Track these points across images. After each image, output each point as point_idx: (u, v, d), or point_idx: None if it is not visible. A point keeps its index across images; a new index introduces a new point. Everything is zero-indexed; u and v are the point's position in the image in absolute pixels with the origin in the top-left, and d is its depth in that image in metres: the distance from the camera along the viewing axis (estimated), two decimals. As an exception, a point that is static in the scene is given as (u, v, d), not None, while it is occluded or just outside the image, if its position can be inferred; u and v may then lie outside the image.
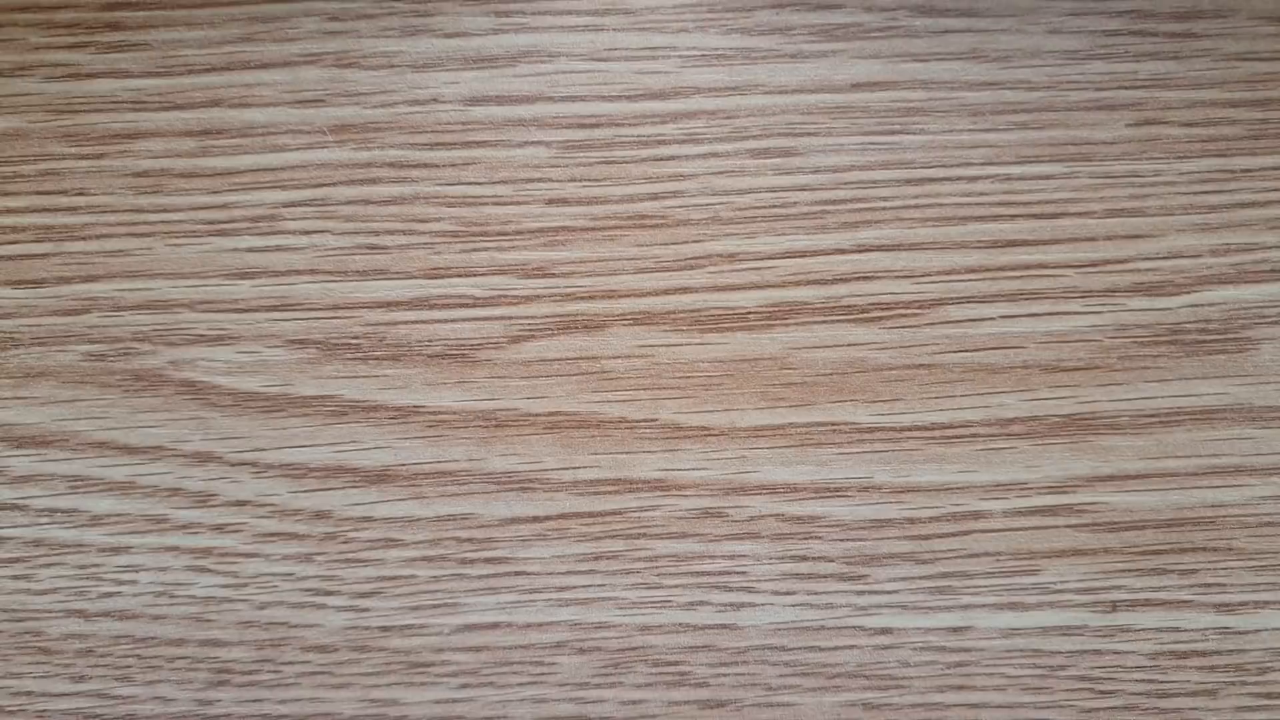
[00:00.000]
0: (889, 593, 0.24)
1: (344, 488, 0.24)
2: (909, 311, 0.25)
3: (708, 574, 0.24)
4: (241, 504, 0.24)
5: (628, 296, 0.25)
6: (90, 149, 0.25)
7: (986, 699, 0.23)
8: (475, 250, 0.25)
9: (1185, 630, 0.24)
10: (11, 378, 0.25)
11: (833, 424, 0.25)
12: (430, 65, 0.24)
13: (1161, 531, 0.24)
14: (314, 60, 0.25)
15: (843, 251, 0.25)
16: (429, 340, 0.25)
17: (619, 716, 0.23)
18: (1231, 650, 0.23)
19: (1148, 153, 0.25)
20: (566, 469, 0.25)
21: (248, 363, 0.24)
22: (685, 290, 0.25)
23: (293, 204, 0.25)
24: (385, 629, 0.24)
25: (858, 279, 0.25)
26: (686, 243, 0.25)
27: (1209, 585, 0.24)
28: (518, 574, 0.24)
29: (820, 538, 0.24)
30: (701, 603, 0.24)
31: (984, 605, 0.24)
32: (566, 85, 0.25)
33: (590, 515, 0.24)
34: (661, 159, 0.25)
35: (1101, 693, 0.23)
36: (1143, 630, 0.24)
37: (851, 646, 0.24)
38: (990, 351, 0.25)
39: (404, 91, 0.25)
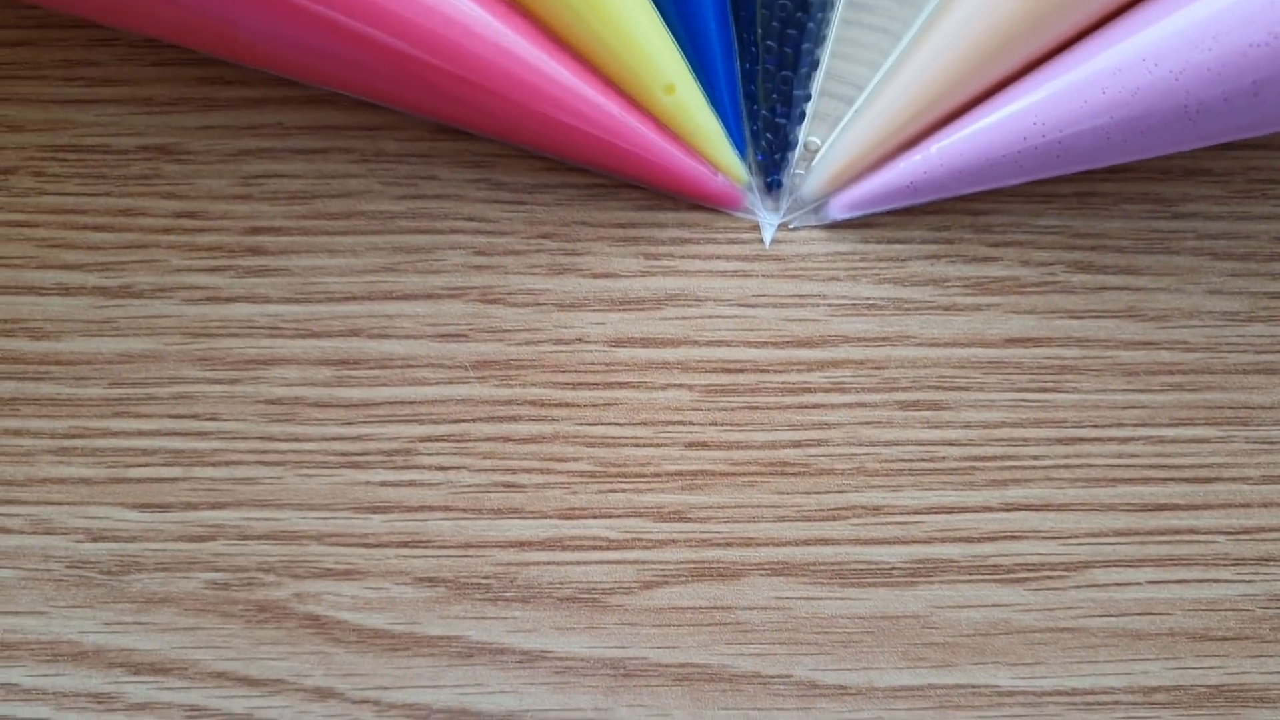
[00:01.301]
0: None
1: (467, 733, 0.28)
2: (1055, 573, 0.29)
3: (841, 841, 0.28)
4: (361, 745, 0.28)
5: (766, 545, 0.29)
6: (224, 374, 0.29)
7: None
8: (612, 491, 0.28)
9: None
10: (133, 602, 0.28)
11: (973, 686, 0.28)
12: (576, 305, 0.29)
13: (1313, 816, 0.28)
14: (458, 294, 0.29)
15: (990, 509, 0.29)
16: (560, 583, 0.28)
17: None
18: None
19: (1307, 418, 0.29)
20: (696, 723, 0.28)
21: (374, 599, 0.28)
22: (827, 542, 0.29)
23: (429, 439, 0.29)
24: None
25: (1005, 538, 0.29)
26: (829, 493, 0.29)
27: None
28: (644, 833, 0.28)
29: (960, 809, 0.28)
30: None
31: None
32: (712, 330, 0.29)
33: (719, 773, 0.28)
34: (806, 407, 0.29)
35: None
36: None
37: None
38: (1136, 617, 0.29)
39: (549, 330, 0.29)
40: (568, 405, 0.30)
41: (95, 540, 0.30)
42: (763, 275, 0.30)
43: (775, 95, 0.29)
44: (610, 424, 0.30)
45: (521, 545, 0.30)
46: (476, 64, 0.27)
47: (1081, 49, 0.28)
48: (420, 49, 0.27)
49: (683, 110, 0.29)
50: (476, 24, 0.27)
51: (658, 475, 0.30)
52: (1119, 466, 0.30)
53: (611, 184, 0.30)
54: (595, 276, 0.30)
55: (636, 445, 0.30)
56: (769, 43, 0.29)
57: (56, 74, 0.31)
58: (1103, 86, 0.27)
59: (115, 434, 0.30)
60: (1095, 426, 0.30)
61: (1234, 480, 0.30)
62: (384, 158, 0.31)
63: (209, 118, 0.31)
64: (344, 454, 0.30)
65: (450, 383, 0.30)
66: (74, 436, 0.30)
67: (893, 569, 0.30)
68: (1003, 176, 0.29)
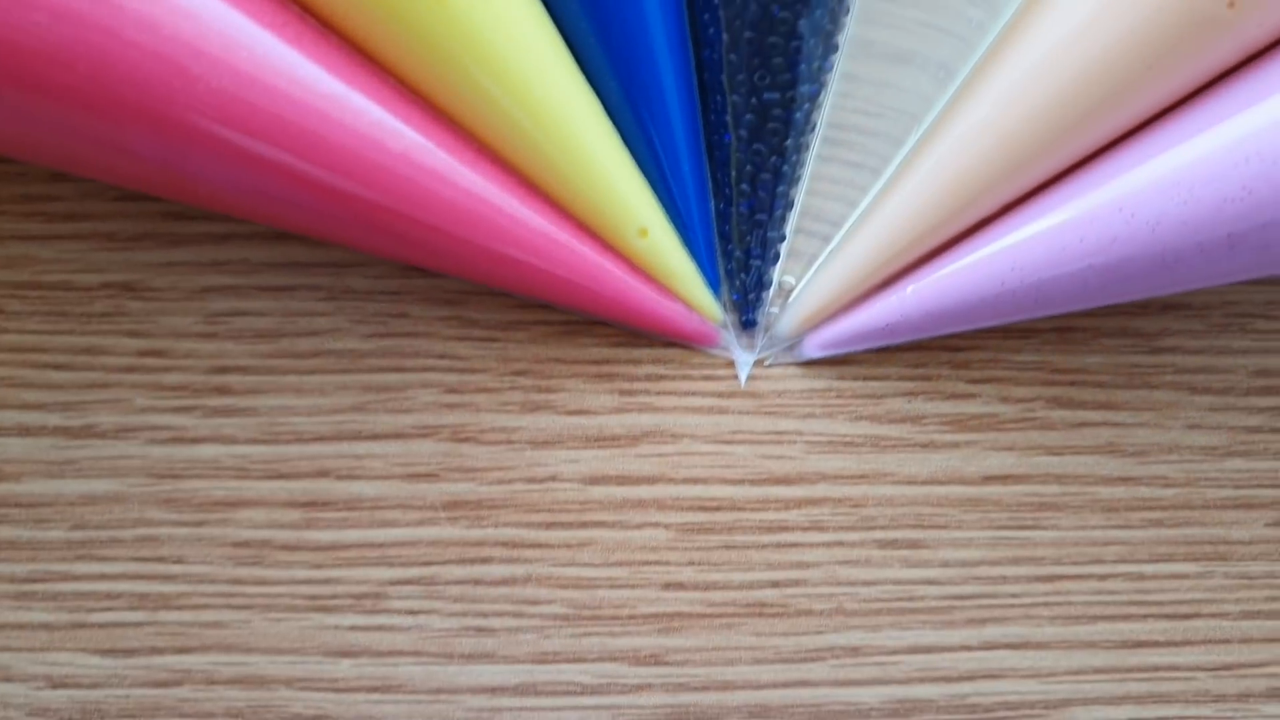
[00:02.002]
0: None
1: None
2: (1034, 712, 0.29)
3: None
4: None
5: (744, 689, 0.29)
6: (190, 516, 0.29)
7: None
8: (586, 635, 0.28)
9: None
10: (96, 753, 0.28)
11: (954, 828, 0.28)
12: (550, 442, 0.29)
13: None
14: (429, 433, 0.29)
15: (969, 648, 0.29)
16: (534, 727, 0.28)
17: None
18: None
19: (1287, 553, 0.29)
20: None
21: (344, 746, 0.28)
22: (805, 683, 0.29)
23: (400, 582, 0.29)
24: None
25: (984, 677, 0.29)
26: (808, 634, 0.29)
27: None
28: None
29: None
30: None
31: None
32: (688, 467, 0.29)
33: None
34: (784, 545, 0.29)
35: None
36: None
37: None
38: (1120, 756, 0.29)
39: (522, 469, 0.29)
40: (541, 546, 0.30)
41: (56, 687, 0.30)
42: (739, 412, 0.30)
43: (749, 237, 0.29)
44: (585, 565, 0.30)
45: (493, 691, 0.30)
46: (447, 210, 0.27)
47: (1058, 193, 0.28)
48: (387, 196, 0.27)
49: (656, 253, 0.29)
50: (446, 170, 0.27)
51: (633, 617, 0.30)
52: (1098, 603, 0.30)
53: (586, 320, 0.30)
54: (569, 414, 0.30)
55: (612, 586, 0.30)
56: (743, 186, 0.29)
57: (16, 209, 0.31)
58: (1080, 234, 0.27)
59: (77, 577, 0.30)
60: (1074, 563, 0.31)
61: (1214, 616, 0.31)
62: (353, 295, 0.30)
63: (173, 254, 0.31)
64: (313, 597, 0.30)
65: (420, 524, 0.30)
66: (34, 581, 0.30)
67: (871, 710, 0.30)
68: (980, 319, 0.29)
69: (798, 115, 0.28)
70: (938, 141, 0.29)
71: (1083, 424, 0.31)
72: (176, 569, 0.30)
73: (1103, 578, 0.31)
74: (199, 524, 0.30)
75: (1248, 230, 0.27)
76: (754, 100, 0.28)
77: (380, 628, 0.30)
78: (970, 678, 0.30)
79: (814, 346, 0.30)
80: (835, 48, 0.29)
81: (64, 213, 0.31)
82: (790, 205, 0.30)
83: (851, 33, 0.29)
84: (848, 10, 0.29)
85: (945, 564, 0.30)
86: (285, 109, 0.26)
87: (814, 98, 0.29)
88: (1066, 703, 0.30)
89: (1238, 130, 0.27)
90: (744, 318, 0.30)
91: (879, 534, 0.30)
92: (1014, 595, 0.30)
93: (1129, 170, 0.27)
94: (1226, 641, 0.31)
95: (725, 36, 0.28)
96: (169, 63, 0.26)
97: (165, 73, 0.26)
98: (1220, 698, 0.30)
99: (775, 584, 0.30)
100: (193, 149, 0.26)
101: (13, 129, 0.27)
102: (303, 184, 0.27)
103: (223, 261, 0.31)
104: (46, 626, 0.30)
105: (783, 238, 0.30)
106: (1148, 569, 0.31)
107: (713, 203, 0.30)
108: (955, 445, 0.31)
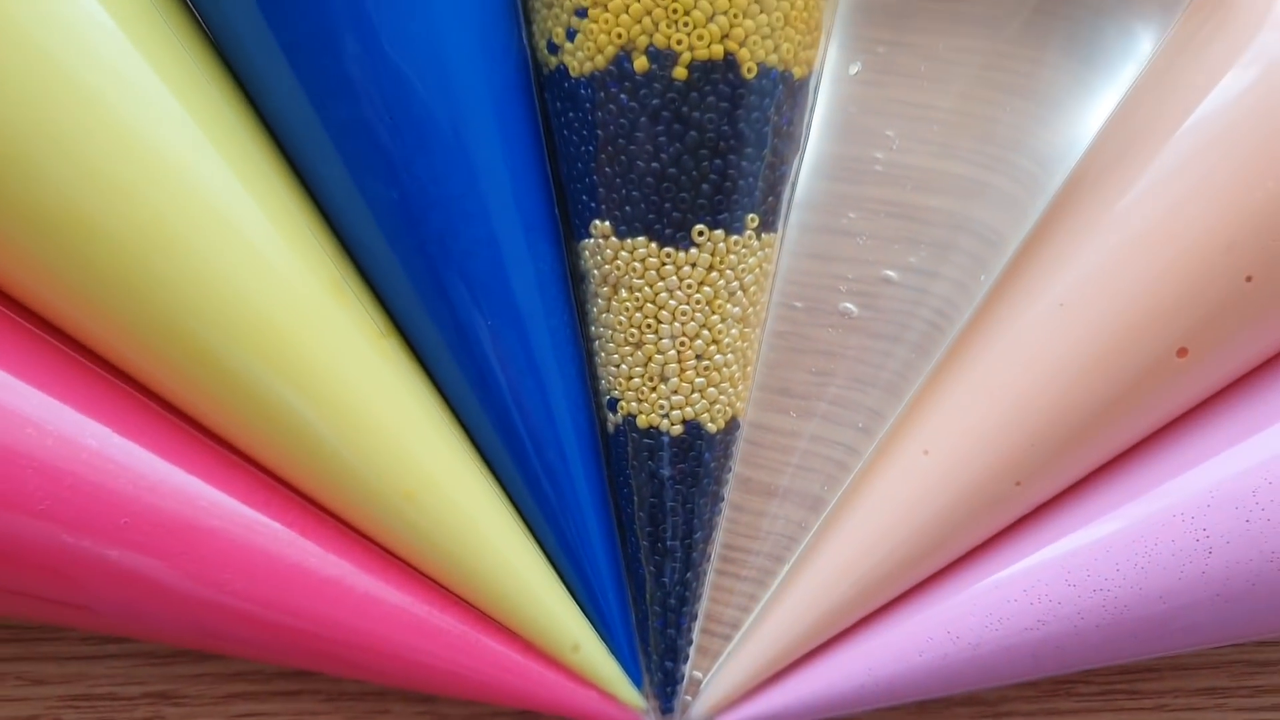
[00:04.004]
0: None
1: None
2: None
3: None
4: None
5: None
6: None
7: None
8: None
9: None
10: None
11: None
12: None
13: None
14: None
15: None
16: None
17: None
18: None
19: None
20: None
21: None
22: None
23: None
24: None
25: None
26: None
27: None
28: None
29: None
30: None
31: None
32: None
33: None
34: None
35: None
36: None
37: None
38: None
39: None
40: None
41: None
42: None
43: (663, 645, 0.36)
44: None
45: None
46: (429, 650, 0.34)
47: (900, 613, 0.35)
48: (379, 644, 0.34)
49: (588, 663, 0.36)
50: (429, 618, 0.34)
51: None
52: None
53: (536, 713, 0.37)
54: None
55: None
56: (655, 608, 0.36)
57: (74, 634, 0.38)
58: (919, 649, 0.35)
59: None
60: None
61: None
62: (347, 696, 0.37)
63: (202, 667, 0.38)
64: None
65: None
66: None
67: None
68: (847, 708, 0.36)
69: (695, 555, 0.36)
70: (810, 568, 0.36)
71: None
72: None
73: None
74: None
75: (1049, 651, 0.34)
76: (659, 545, 0.35)
77: None
78: None
79: (721, 728, 0.37)
80: (722, 498, 0.36)
81: (113, 636, 0.38)
82: (694, 617, 0.37)
83: (733, 470, 0.37)
84: (731, 469, 0.36)
85: None
86: (289, 587, 0.34)
87: (707, 539, 0.36)
88: None
89: (1029, 571, 0.34)
90: (663, 706, 0.37)
91: None
92: None
93: (952, 598, 0.35)
94: None
95: (635, 497, 0.35)
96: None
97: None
98: None
99: None
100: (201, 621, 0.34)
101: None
102: (310, 650, 0.34)
103: (243, 672, 0.38)
104: None
105: (691, 642, 0.37)
106: None
107: (634, 615, 0.37)
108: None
